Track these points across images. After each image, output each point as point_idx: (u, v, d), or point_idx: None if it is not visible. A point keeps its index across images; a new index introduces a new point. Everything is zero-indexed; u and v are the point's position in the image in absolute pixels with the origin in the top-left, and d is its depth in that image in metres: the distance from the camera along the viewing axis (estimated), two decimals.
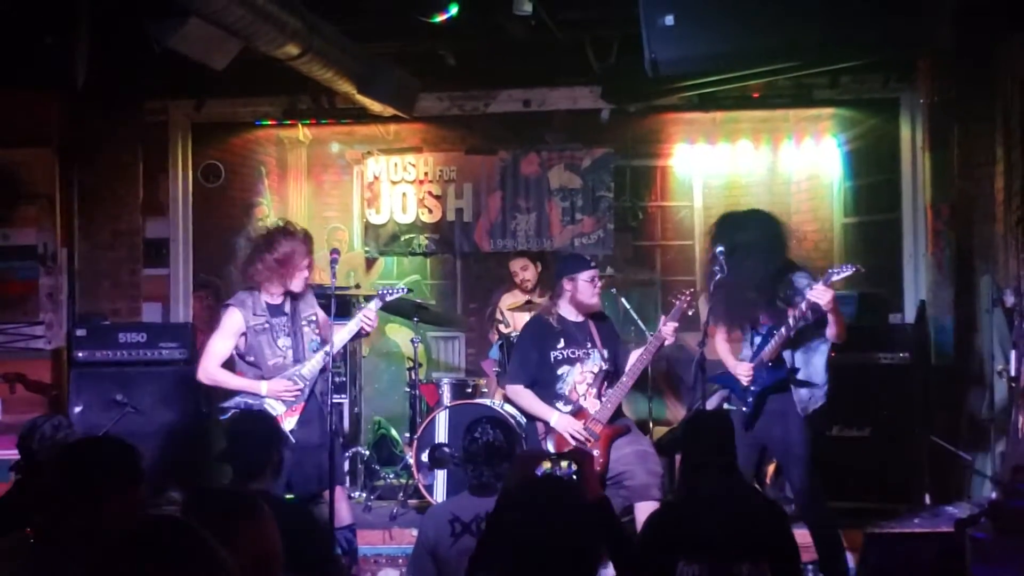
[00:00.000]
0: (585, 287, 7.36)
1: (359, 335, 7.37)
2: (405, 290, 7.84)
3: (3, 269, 9.85)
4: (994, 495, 7.83)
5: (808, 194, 10.96)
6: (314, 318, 7.22)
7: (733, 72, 9.05)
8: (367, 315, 7.14)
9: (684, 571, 4.48)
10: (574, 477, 4.08)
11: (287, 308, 7.11)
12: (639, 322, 9.19)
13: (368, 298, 7.42)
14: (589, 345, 7.38)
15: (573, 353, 7.39)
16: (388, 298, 7.42)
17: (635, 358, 7.33)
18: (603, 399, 7.27)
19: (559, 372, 7.37)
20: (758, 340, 7.00)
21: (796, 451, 6.87)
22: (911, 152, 9.97)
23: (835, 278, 6.77)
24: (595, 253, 10.70)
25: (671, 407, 10.24)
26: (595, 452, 6.97)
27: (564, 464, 4.10)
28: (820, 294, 6.63)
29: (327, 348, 7.06)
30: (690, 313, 7.32)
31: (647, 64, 8.33)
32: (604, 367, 7.35)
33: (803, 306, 6.71)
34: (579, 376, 7.35)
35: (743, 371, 6.95)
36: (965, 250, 9.14)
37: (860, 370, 8.62)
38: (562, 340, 7.41)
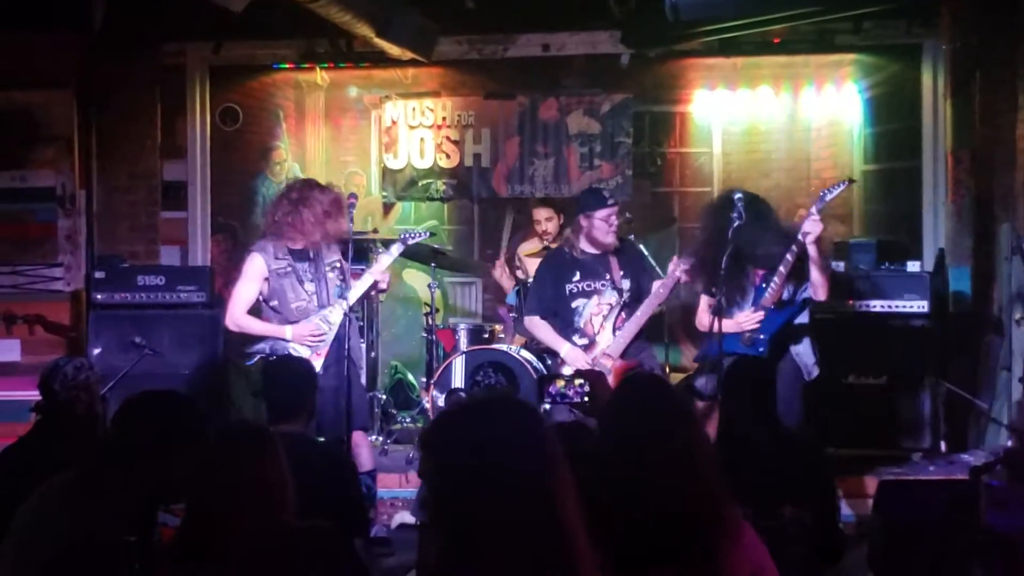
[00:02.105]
0: (600, 225, 7.35)
1: (375, 288, 7.35)
2: (427, 234, 7.84)
3: (22, 211, 9.89)
4: (1009, 443, 7.84)
5: (828, 141, 10.90)
6: (338, 264, 7.23)
7: (754, 16, 9.03)
8: (382, 265, 7.15)
9: None
10: (586, 398, 4.06)
11: (311, 253, 7.12)
12: (656, 268, 9.18)
13: (387, 243, 7.41)
14: (607, 278, 7.37)
15: (588, 286, 7.41)
16: (410, 242, 7.44)
17: (655, 290, 7.32)
18: (617, 333, 7.29)
19: (574, 305, 7.42)
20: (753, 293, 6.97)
21: (792, 412, 6.83)
22: (932, 99, 9.91)
23: (829, 198, 6.76)
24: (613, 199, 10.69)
25: (687, 354, 10.23)
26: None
27: (578, 383, 4.09)
28: (813, 225, 6.61)
29: (342, 301, 7.07)
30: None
31: (667, 8, 8.29)
32: (620, 300, 7.35)
33: (799, 237, 6.67)
34: (595, 309, 7.38)
35: (748, 318, 6.87)
36: (985, 198, 9.09)
37: (877, 318, 8.61)
38: (578, 273, 7.45)
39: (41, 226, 9.86)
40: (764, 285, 6.89)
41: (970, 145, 9.19)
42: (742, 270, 6.91)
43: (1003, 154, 8.85)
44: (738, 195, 6.79)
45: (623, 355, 7.24)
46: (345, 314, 7.07)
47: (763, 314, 6.80)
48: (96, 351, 8.97)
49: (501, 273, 9.93)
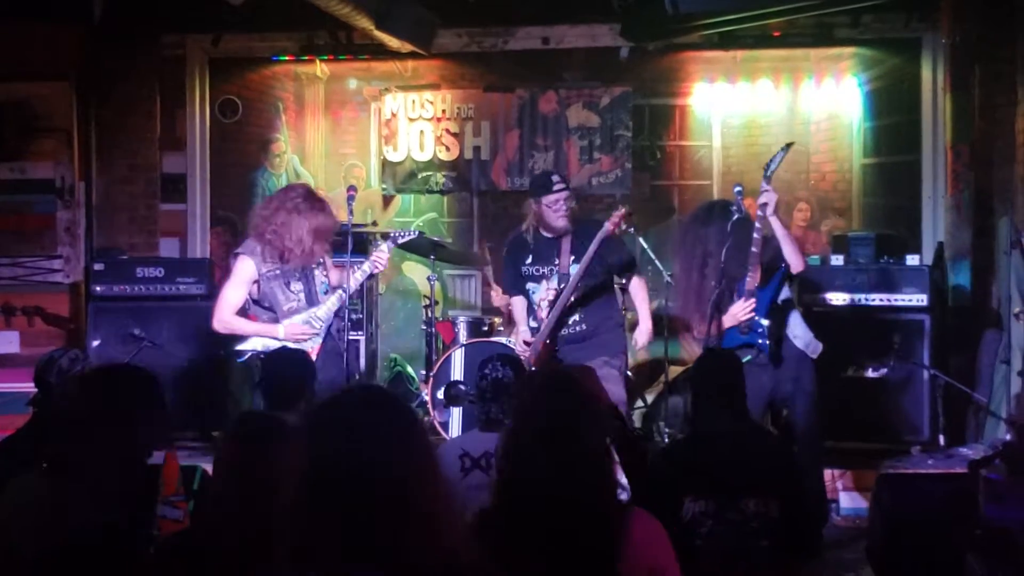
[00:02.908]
0: (547, 211, 7.39)
1: (371, 275, 7.38)
2: (417, 233, 7.84)
3: (21, 202, 9.88)
4: (1008, 437, 7.84)
5: (827, 134, 10.90)
6: (321, 260, 7.23)
7: (754, 10, 9.03)
8: (378, 257, 7.15)
9: (691, 507, 4.53)
10: None
11: None
12: (656, 261, 9.17)
13: (384, 236, 7.42)
14: (555, 263, 7.40)
15: (537, 271, 7.51)
16: (400, 240, 7.43)
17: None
18: (541, 325, 7.39)
19: (528, 288, 7.55)
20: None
21: (806, 387, 6.83)
22: (932, 93, 9.92)
23: (774, 166, 6.74)
24: (612, 192, 10.70)
25: (686, 347, 10.24)
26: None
27: None
28: (768, 196, 6.60)
29: (340, 291, 7.08)
30: (617, 232, 7.30)
31: (667, 1, 8.29)
32: (559, 290, 7.34)
33: (759, 213, 6.65)
34: (543, 293, 7.44)
35: (743, 308, 6.76)
36: (984, 192, 9.10)
37: (876, 311, 8.62)
38: (530, 256, 7.55)
39: (40, 218, 9.86)
40: (747, 274, 6.85)
41: (969, 139, 9.19)
42: (740, 265, 6.89)
43: (1002, 148, 8.86)
44: (737, 188, 6.80)
45: (565, 347, 7.33)
46: (343, 307, 7.08)
47: (754, 301, 6.77)
48: (95, 343, 8.98)
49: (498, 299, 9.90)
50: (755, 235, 6.66)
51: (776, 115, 10.89)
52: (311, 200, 7.08)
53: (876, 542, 6.11)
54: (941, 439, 8.57)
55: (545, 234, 7.49)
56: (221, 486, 3.53)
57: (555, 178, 7.55)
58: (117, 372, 4.03)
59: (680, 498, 4.54)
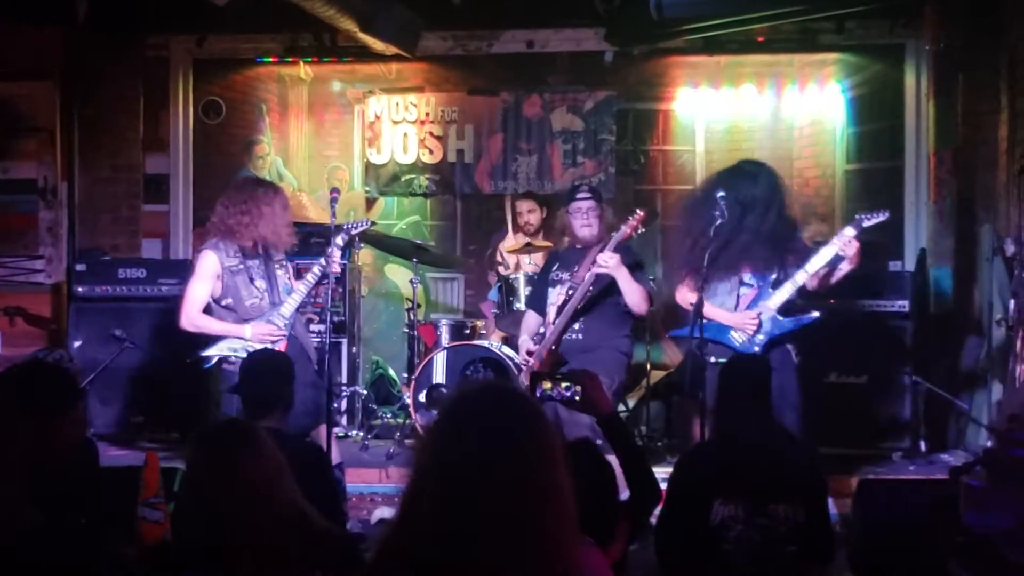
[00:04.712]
0: (572, 219, 7.45)
1: (326, 277, 7.22)
2: (369, 223, 7.77)
3: (3, 202, 9.84)
4: (989, 443, 7.86)
5: (811, 140, 10.93)
6: (284, 262, 7.22)
7: (738, 15, 9.04)
8: (330, 253, 7.07)
9: (720, 510, 4.50)
10: (576, 397, 4.03)
11: (260, 251, 7.09)
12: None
13: (337, 229, 7.27)
14: (574, 270, 7.37)
15: (557, 275, 7.53)
16: (353, 231, 7.34)
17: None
18: (547, 332, 7.40)
19: (548, 293, 7.55)
20: (747, 290, 6.94)
21: (791, 399, 6.83)
22: (915, 99, 9.94)
23: (866, 224, 6.74)
24: None
25: (668, 352, 10.24)
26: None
27: (564, 386, 4.05)
28: (848, 245, 6.63)
29: (302, 287, 7.05)
30: (634, 236, 7.29)
31: (652, 6, 8.30)
32: (568, 295, 7.32)
33: (824, 256, 6.69)
34: (554, 299, 7.45)
35: (748, 319, 6.81)
36: (966, 198, 9.11)
37: (858, 317, 8.64)
38: (558, 263, 7.61)
39: (22, 218, 9.82)
40: (770, 289, 6.85)
41: (952, 145, 9.21)
42: (729, 267, 6.88)
43: (985, 154, 8.88)
44: (720, 193, 6.78)
45: (564, 356, 7.30)
46: (327, 309, 7.06)
47: (758, 317, 6.78)
48: (77, 344, 8.96)
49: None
50: (806, 266, 6.71)
51: (759, 120, 10.91)
52: (260, 188, 7.18)
53: (857, 548, 6.11)
54: (922, 445, 8.60)
55: (576, 244, 7.52)
56: (188, 497, 3.52)
57: (582, 187, 7.64)
58: (28, 370, 3.99)
59: (710, 501, 4.53)
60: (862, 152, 10.68)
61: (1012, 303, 7.98)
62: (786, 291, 6.81)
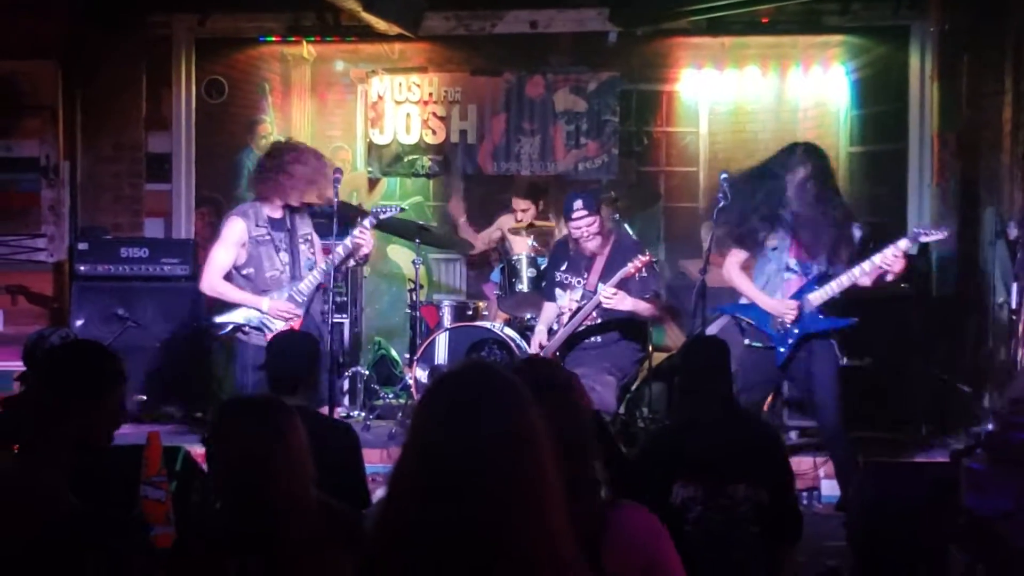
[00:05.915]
0: (572, 230, 7.51)
1: (356, 254, 7.31)
2: (399, 209, 7.81)
3: (5, 181, 9.84)
4: (990, 427, 7.86)
5: (814, 122, 10.89)
6: (309, 237, 7.22)
7: None
8: (360, 235, 7.11)
9: (680, 492, 4.52)
10: None
11: (288, 224, 7.10)
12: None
13: (365, 213, 7.38)
14: (584, 277, 7.45)
15: (567, 279, 7.63)
16: (382, 216, 7.38)
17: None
18: (558, 332, 7.56)
19: (556, 294, 7.66)
20: (791, 275, 6.93)
21: (831, 395, 6.86)
22: (919, 81, 9.91)
23: (923, 239, 6.74)
24: (599, 177, 10.66)
25: (671, 334, 10.24)
26: None
27: None
28: (895, 260, 6.65)
29: (323, 266, 7.06)
30: (637, 278, 7.32)
31: None
32: (580, 304, 7.46)
33: (867, 266, 6.71)
34: (566, 302, 7.58)
35: (788, 309, 6.82)
36: (970, 181, 9.11)
37: (861, 300, 8.60)
38: (565, 263, 7.66)
39: (24, 196, 9.82)
40: (815, 285, 6.85)
41: (956, 128, 9.20)
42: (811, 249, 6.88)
43: (989, 137, 8.87)
44: (724, 175, 6.78)
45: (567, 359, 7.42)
46: (323, 285, 7.07)
47: (797, 308, 6.78)
48: (79, 322, 8.97)
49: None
50: (856, 273, 6.75)
51: (763, 102, 10.88)
52: (299, 150, 7.31)
53: (858, 530, 6.12)
54: (924, 428, 8.59)
55: (582, 249, 7.59)
56: (220, 476, 3.52)
57: (576, 204, 7.49)
58: (76, 352, 3.98)
59: (669, 483, 4.53)
60: (866, 134, 10.65)
61: (1015, 286, 7.97)
62: (830, 290, 6.80)
